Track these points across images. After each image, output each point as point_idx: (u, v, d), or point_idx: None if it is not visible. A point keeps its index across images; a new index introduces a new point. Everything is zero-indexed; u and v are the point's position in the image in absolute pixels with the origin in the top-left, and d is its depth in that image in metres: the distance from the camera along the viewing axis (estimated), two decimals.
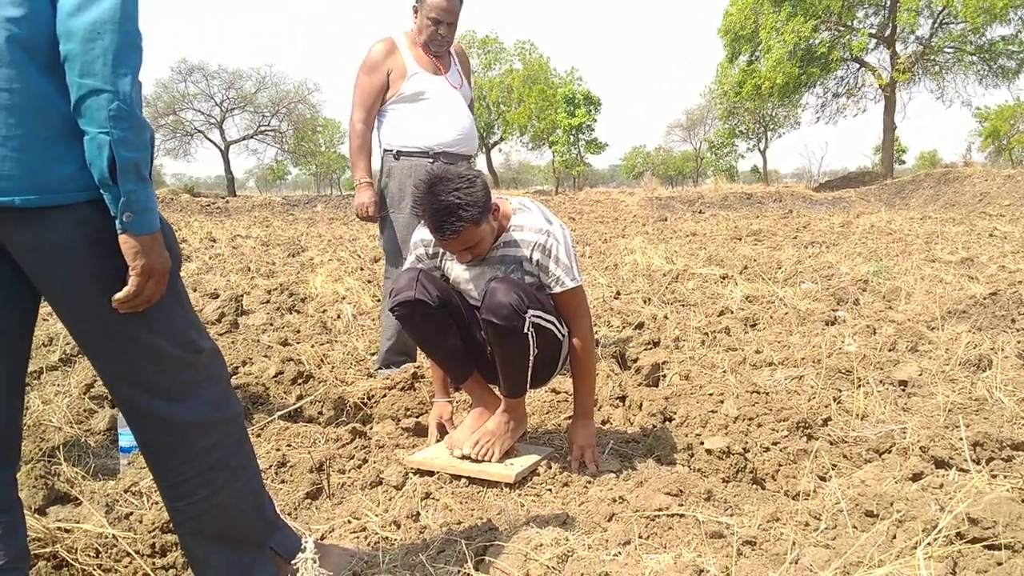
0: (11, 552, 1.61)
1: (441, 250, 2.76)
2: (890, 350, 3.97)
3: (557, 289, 2.62)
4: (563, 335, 2.68)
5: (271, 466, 2.62)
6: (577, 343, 2.70)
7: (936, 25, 28.88)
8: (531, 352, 2.57)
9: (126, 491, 2.41)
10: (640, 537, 2.06)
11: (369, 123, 3.68)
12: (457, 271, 2.76)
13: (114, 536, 2.10)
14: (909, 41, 29.81)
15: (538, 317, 2.54)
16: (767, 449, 2.69)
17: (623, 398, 3.42)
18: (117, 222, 1.41)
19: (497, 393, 2.84)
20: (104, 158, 1.35)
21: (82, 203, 1.42)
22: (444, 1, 3.55)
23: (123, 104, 1.36)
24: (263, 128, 42.25)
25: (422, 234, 2.79)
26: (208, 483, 1.64)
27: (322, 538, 2.20)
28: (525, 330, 2.50)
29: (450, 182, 2.38)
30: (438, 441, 2.90)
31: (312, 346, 4.35)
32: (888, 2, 29.13)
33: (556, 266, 2.60)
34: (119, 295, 1.44)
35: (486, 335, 2.65)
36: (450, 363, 2.85)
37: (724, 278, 6.77)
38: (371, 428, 3.15)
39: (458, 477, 2.61)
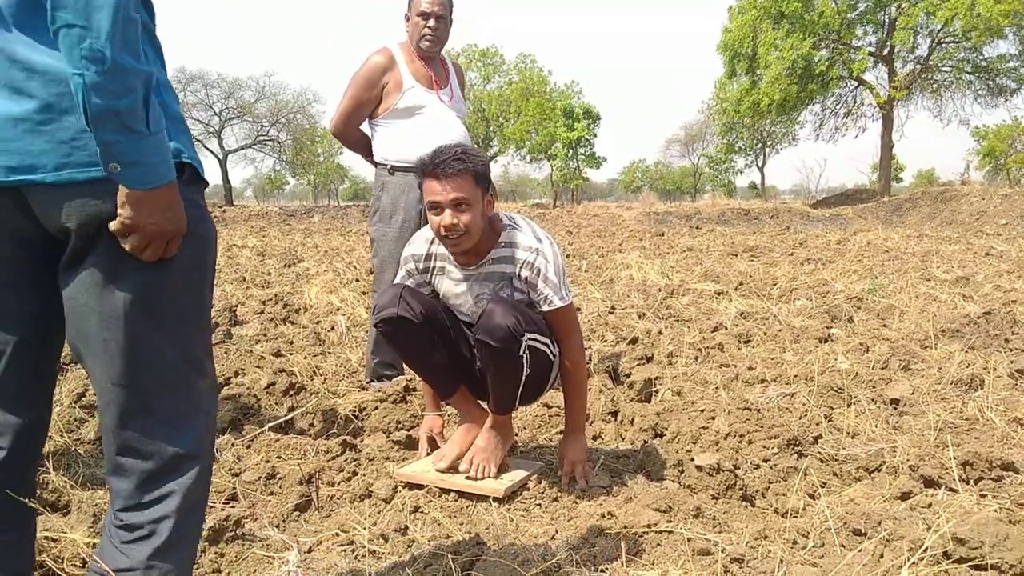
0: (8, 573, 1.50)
1: (432, 264, 2.77)
2: (882, 368, 3.98)
3: (545, 308, 2.62)
4: (554, 354, 2.68)
5: (260, 477, 2.62)
6: (568, 359, 2.71)
7: (934, 44, 29.06)
8: (524, 372, 2.57)
9: None
10: (628, 553, 2.05)
11: (352, 128, 3.76)
12: (447, 286, 2.76)
13: None
14: (908, 59, 29.99)
15: (534, 339, 2.54)
16: (757, 466, 2.70)
17: (615, 413, 3.42)
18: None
19: (484, 407, 2.84)
20: (81, 102, 1.22)
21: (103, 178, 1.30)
22: None
23: (96, 43, 1.19)
24: (262, 138, 42.38)
25: (412, 249, 2.80)
26: (155, 529, 1.42)
27: (309, 551, 2.20)
28: (521, 352, 2.50)
29: (465, 148, 2.54)
30: (428, 454, 2.89)
31: (305, 357, 4.35)
32: (887, 20, 29.32)
33: (545, 285, 2.59)
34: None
35: (479, 355, 2.65)
36: (436, 378, 2.85)
37: (719, 294, 6.78)
38: (362, 441, 3.14)
39: (447, 491, 2.60)
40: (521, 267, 2.61)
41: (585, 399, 2.86)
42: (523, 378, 2.59)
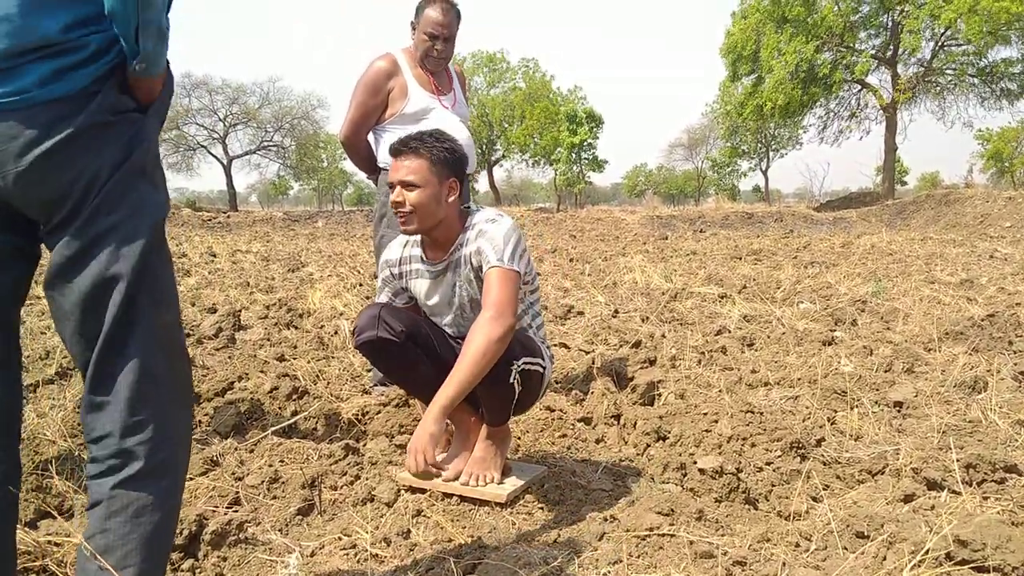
0: None
1: (407, 268, 2.77)
2: (886, 371, 3.97)
3: (484, 267, 2.47)
4: (545, 367, 2.66)
5: (263, 481, 2.62)
6: (479, 329, 2.33)
7: (938, 47, 29.01)
8: (516, 393, 2.56)
9: None
10: (630, 556, 2.05)
11: (363, 135, 3.74)
12: (420, 287, 2.75)
13: None
14: (910, 63, 29.97)
15: (526, 363, 2.53)
16: (760, 469, 2.69)
17: (618, 416, 3.41)
18: (129, 67, 1.38)
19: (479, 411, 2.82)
20: (132, 20, 1.31)
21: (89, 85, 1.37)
22: (440, 16, 3.57)
23: None
24: (266, 143, 42.50)
25: (388, 254, 2.81)
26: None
27: (312, 555, 2.20)
28: (511, 380, 2.49)
29: (435, 134, 2.55)
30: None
31: (308, 362, 4.36)
32: (890, 23, 29.31)
33: (489, 245, 2.48)
34: None
35: None
36: (424, 392, 2.77)
37: (723, 297, 6.77)
38: (364, 445, 3.14)
39: (450, 495, 2.60)
40: (476, 237, 2.54)
41: (472, 376, 2.29)
42: (515, 397, 2.58)
